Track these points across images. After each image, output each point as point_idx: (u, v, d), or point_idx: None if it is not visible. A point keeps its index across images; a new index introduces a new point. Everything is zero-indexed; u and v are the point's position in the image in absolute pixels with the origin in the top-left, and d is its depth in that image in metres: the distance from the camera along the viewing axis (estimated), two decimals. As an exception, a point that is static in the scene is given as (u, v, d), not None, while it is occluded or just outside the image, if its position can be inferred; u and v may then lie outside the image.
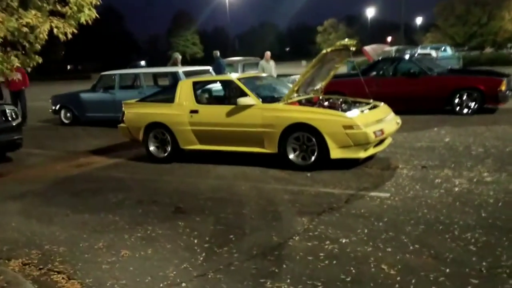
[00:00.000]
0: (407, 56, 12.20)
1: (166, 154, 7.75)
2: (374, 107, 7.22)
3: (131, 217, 5.19)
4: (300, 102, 7.20)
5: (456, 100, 10.74)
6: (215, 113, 7.25)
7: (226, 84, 7.51)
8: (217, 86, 8.10)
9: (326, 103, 7.35)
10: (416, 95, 11.06)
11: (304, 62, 56.69)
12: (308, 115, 6.58)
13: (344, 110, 6.73)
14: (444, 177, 5.90)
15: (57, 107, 13.01)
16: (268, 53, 14.78)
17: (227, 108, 7.11)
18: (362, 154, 6.46)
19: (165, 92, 7.91)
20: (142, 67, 37.41)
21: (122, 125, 8.29)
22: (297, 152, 6.72)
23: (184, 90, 7.64)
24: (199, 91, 7.68)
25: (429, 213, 4.67)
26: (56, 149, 9.60)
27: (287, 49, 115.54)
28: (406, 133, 8.93)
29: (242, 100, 6.93)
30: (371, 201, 5.16)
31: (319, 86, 7.76)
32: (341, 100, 7.66)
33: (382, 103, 7.48)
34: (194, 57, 65.50)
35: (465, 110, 10.69)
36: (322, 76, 7.59)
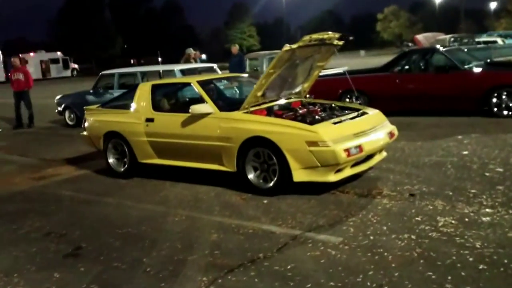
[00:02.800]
0: (440, 47, 10.45)
1: (124, 168, 6.77)
2: (362, 114, 5.84)
3: (15, 260, 4.23)
4: (269, 110, 5.94)
5: (494, 100, 8.96)
6: (171, 123, 6.16)
7: (186, 88, 6.38)
8: (182, 90, 6.93)
9: (301, 111, 6.05)
10: (445, 94, 9.38)
11: (362, 52, 54.16)
12: (266, 127, 5.32)
13: (315, 121, 5.42)
14: (429, 212, 4.47)
15: (62, 107, 12.45)
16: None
17: (183, 117, 5.99)
18: (332, 178, 5.12)
19: (126, 97, 6.92)
20: (203, 61, 36.88)
21: (83, 133, 7.40)
22: (257, 172, 5.49)
23: (142, 95, 6.60)
24: (158, 96, 6.61)
25: (373, 277, 3.33)
26: (34, 156, 8.90)
27: (351, 38, 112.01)
28: (420, 143, 7.42)
29: (195, 108, 5.79)
30: (311, 250, 3.87)
31: (298, 89, 6.44)
32: (326, 106, 6.33)
33: (376, 111, 6.07)
34: (250, 49, 64.60)
35: (505, 112, 8.90)
36: (301, 77, 6.26)
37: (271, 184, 5.38)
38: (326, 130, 5.07)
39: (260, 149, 5.37)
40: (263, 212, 4.88)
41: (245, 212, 4.94)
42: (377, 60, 26.95)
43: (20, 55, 50.32)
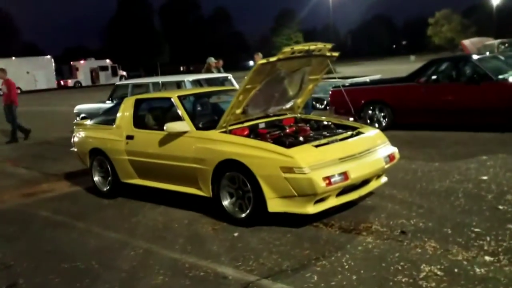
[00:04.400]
0: (475, 56, 9.46)
1: (107, 188, 6.35)
2: (357, 135, 5.14)
3: None
4: (252, 129, 5.35)
5: (532, 114, 7.95)
6: (149, 141, 5.68)
7: (166, 103, 5.88)
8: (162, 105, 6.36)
9: (288, 130, 5.42)
10: (475, 107, 8.44)
11: (412, 57, 52.16)
12: (240, 149, 4.73)
13: (294, 143, 4.77)
14: (415, 257, 3.74)
15: (80, 118, 12.30)
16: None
17: (161, 135, 5.50)
18: (311, 209, 4.45)
19: (112, 112, 6.51)
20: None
21: (73, 149, 7.07)
22: (233, 199, 4.91)
23: (125, 111, 6.17)
24: (141, 112, 6.15)
25: None
26: (38, 170, 8.67)
27: (404, 42, 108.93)
28: (438, 164, 6.60)
29: (170, 126, 5.28)
30: (257, 304, 3.25)
31: (289, 104, 5.79)
32: (320, 124, 5.68)
33: (375, 131, 5.35)
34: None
35: (545, 128, 7.88)
36: (292, 92, 5.62)
37: (244, 215, 4.78)
38: (303, 155, 4.42)
39: (235, 173, 4.79)
40: (227, 249, 4.28)
41: (209, 247, 4.36)
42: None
43: (71, 62, 52.35)
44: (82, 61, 50.78)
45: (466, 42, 21.94)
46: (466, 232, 4.14)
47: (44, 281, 3.97)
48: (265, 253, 4.09)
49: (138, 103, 6.14)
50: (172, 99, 5.62)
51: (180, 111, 5.44)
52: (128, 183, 6.09)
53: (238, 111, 5.11)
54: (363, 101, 9.99)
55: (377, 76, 14.46)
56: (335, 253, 3.95)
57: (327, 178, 4.34)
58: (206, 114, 6.11)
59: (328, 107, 11.08)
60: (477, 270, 3.43)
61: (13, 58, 46.99)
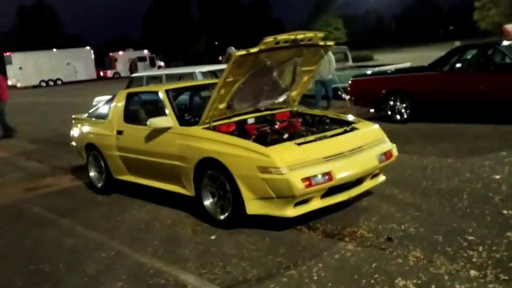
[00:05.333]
0: (505, 42, 8.75)
1: (101, 184, 6.22)
2: (351, 130, 4.76)
3: None
4: (240, 124, 5.06)
5: None
6: (136, 136, 5.48)
7: (155, 97, 5.64)
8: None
9: (277, 126, 5.10)
10: (503, 98, 7.80)
11: (457, 43, 49.95)
12: (220, 147, 4.45)
13: (275, 141, 4.45)
14: (392, 269, 3.37)
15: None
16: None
17: (147, 130, 5.28)
18: (290, 212, 4.13)
19: (107, 106, 6.34)
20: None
21: (72, 143, 6.98)
22: (215, 199, 4.64)
23: (117, 104, 6.00)
24: (132, 106, 5.95)
25: None
26: (49, 164, 8.67)
27: (451, 28, 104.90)
28: (452, 160, 6.13)
29: (153, 122, 5.06)
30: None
31: (283, 98, 5.44)
32: (315, 118, 5.34)
33: (372, 127, 4.95)
34: (336, 42, 62.38)
35: None
36: (284, 84, 5.26)
37: (223, 216, 4.51)
38: (282, 154, 4.09)
39: (215, 172, 4.51)
40: (199, 253, 4.03)
41: (181, 251, 4.12)
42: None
43: (110, 54, 53.25)
44: (120, 52, 51.56)
45: (509, 26, 20.73)
46: (458, 240, 3.72)
47: (6, 283, 3.85)
48: (235, 260, 3.81)
49: (129, 96, 5.95)
50: (159, 93, 5.39)
51: (166, 106, 5.21)
52: (121, 179, 5.92)
53: (222, 106, 4.82)
54: (383, 91, 9.47)
55: (407, 64, 13.80)
56: (308, 262, 3.63)
57: (307, 179, 4.00)
58: (195, 109, 5.84)
59: (347, 98, 10.59)
60: (457, 287, 3.04)
61: (54, 50, 48.28)
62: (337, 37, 64.70)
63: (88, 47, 50.79)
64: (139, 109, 5.81)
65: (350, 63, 15.16)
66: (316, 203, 4.26)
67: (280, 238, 4.16)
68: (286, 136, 4.58)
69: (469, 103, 8.26)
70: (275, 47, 4.52)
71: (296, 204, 4.15)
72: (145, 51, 51.89)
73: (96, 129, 6.18)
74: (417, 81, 9.06)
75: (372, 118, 9.73)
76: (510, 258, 3.35)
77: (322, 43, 4.97)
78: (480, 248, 3.54)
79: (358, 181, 4.59)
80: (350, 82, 10.29)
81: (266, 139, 4.50)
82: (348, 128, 4.80)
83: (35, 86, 44.55)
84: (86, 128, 6.45)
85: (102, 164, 6.09)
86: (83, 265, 4.04)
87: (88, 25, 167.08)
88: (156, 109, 5.53)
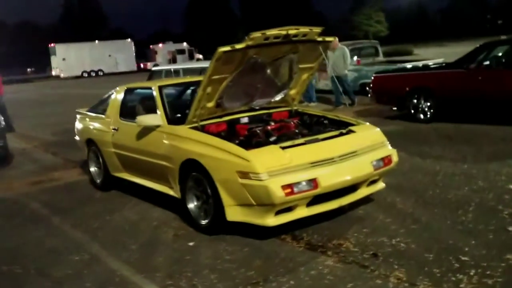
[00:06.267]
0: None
1: (100, 180, 6.11)
2: (347, 133, 4.42)
3: None
4: (231, 124, 4.81)
5: None
6: (129, 134, 5.31)
7: (150, 93, 5.42)
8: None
9: (270, 126, 4.81)
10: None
11: (503, 38, 47.80)
12: (202, 149, 4.20)
13: (259, 143, 4.18)
14: (369, 291, 3.05)
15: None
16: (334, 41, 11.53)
17: (138, 128, 5.10)
18: (271, 221, 3.85)
19: (107, 101, 6.21)
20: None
21: (76, 138, 6.91)
22: (199, 202, 4.41)
23: (115, 100, 5.86)
24: (128, 102, 5.78)
25: None
26: (62, 156, 8.67)
27: (499, 22, 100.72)
28: (467, 166, 5.72)
29: (141, 119, 4.87)
30: None
31: (279, 97, 5.13)
32: (313, 119, 5.03)
33: (372, 130, 4.59)
34: (377, 36, 61.06)
35: None
36: (280, 82, 4.96)
37: (204, 222, 4.28)
38: (263, 158, 3.80)
39: (199, 175, 4.27)
40: (172, 261, 3.81)
41: (155, 258, 3.91)
42: None
43: (150, 46, 53.85)
44: (160, 45, 52.03)
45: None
46: (449, 261, 3.35)
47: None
48: (206, 271, 3.57)
49: (127, 92, 5.79)
50: (152, 89, 5.19)
51: (157, 103, 5.00)
52: (117, 176, 5.78)
53: (210, 104, 4.57)
54: (407, 89, 8.97)
55: (439, 60, 13.14)
56: (281, 277, 3.35)
57: (289, 186, 3.71)
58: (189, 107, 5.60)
59: (369, 95, 10.13)
60: (433, 318, 2.69)
61: (96, 41, 49.25)
62: (378, 30, 63.31)
63: (129, 39, 51.53)
64: (134, 106, 5.64)
65: (381, 57, 14.59)
66: (301, 212, 3.96)
67: (260, 249, 3.89)
68: (273, 138, 4.29)
69: (496, 103, 7.70)
70: (265, 43, 4.22)
71: (279, 212, 3.87)
72: (184, 44, 52.17)
73: (96, 125, 6.07)
74: (442, 78, 8.53)
75: (395, 117, 9.31)
76: (504, 286, 2.96)
77: (319, 39, 4.63)
78: (472, 272, 3.16)
79: (353, 188, 4.26)
80: (372, 78, 9.83)
81: (251, 141, 4.22)
82: (344, 131, 4.46)
83: (77, 77, 45.62)
84: (87, 123, 6.35)
85: (101, 160, 5.97)
86: (54, 268, 3.90)
87: (132, 18, 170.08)
88: (151, 106, 5.33)
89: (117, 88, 5.98)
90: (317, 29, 4.49)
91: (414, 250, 3.59)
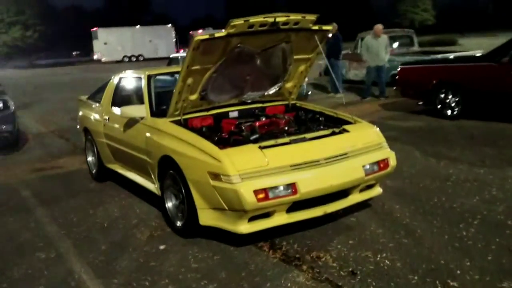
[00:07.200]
0: None
1: (95, 170, 5.92)
2: (340, 132, 4.01)
3: None
4: (218, 118, 4.48)
5: None
6: (118, 124, 5.06)
7: (139, 82, 5.13)
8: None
9: (258, 122, 4.44)
10: None
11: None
12: (177, 145, 3.89)
13: (236, 142, 3.82)
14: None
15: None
16: (378, 27, 10.97)
17: (125, 119, 4.84)
18: (243, 228, 3.51)
19: (103, 89, 5.97)
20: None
21: (77, 126, 6.74)
22: (177, 201, 4.11)
23: (109, 89, 5.62)
24: (121, 92, 5.51)
25: None
26: (73, 142, 8.57)
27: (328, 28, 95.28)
28: (484, 171, 5.26)
29: (124, 111, 4.61)
30: None
31: (273, 90, 4.74)
32: (309, 115, 4.63)
33: (368, 130, 4.16)
34: (423, 24, 58.87)
35: None
36: (273, 74, 4.57)
37: (179, 223, 3.99)
38: (235, 159, 3.45)
39: (175, 173, 3.97)
40: (135, 267, 3.54)
41: (119, 261, 3.64)
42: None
43: (190, 32, 53.82)
44: (200, 31, 51.78)
45: None
46: (435, 285, 2.92)
47: None
48: (165, 281, 3.28)
49: (121, 80, 5.53)
50: (141, 78, 4.91)
51: (143, 93, 4.72)
52: (110, 168, 5.56)
53: (193, 97, 4.24)
54: (434, 82, 8.37)
55: (477, 52, 12.32)
56: (238, 295, 3.01)
57: (263, 190, 3.35)
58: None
59: (394, 87, 9.54)
60: None
61: (138, 26, 49.66)
62: (424, 19, 61.16)
63: (169, 25, 51.69)
64: (125, 95, 5.38)
65: (416, 47, 13.82)
66: (280, 219, 3.60)
67: (232, 257, 3.56)
68: (254, 136, 3.92)
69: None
70: (249, 31, 3.85)
71: (254, 218, 3.52)
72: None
73: (91, 113, 5.86)
74: (471, 72, 7.88)
75: (421, 112, 8.73)
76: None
77: (315, 27, 4.20)
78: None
79: (343, 194, 3.86)
80: (398, 70, 9.24)
81: (229, 139, 3.88)
82: (337, 130, 4.04)
83: (118, 61, 46.20)
84: (85, 112, 6.16)
85: (95, 150, 5.78)
86: (16, 267, 3.69)
87: (177, 3, 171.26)
88: (140, 96, 5.06)
89: (113, 76, 5.73)
90: (311, 17, 4.06)
91: (398, 269, 3.17)
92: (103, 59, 46.45)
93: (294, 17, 3.95)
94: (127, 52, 47.67)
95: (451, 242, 3.52)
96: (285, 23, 3.94)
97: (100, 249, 3.90)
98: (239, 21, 3.72)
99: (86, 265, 3.63)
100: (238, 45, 3.97)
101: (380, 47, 10.74)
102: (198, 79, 4.09)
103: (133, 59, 47.64)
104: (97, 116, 5.63)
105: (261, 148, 3.59)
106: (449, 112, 8.16)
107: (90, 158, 6.08)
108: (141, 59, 47.81)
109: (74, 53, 75.22)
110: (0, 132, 7.63)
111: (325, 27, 4.28)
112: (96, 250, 3.90)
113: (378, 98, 10.91)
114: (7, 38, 51.83)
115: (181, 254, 3.67)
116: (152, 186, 4.52)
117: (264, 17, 3.81)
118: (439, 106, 8.31)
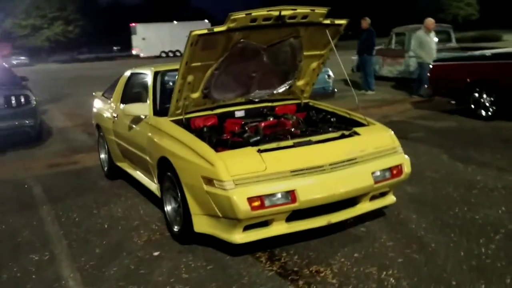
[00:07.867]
0: None
1: (106, 168, 5.82)
2: (349, 135, 3.72)
3: None
4: (223, 117, 4.25)
5: None
6: (125, 122, 4.89)
7: (147, 79, 4.94)
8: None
9: (264, 123, 4.18)
10: None
11: None
12: (175, 147, 3.68)
13: (236, 144, 3.58)
14: None
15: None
16: (429, 21, 10.43)
17: (130, 116, 4.67)
18: (237, 237, 3.27)
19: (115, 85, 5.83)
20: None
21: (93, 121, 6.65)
22: (176, 205, 3.91)
23: (120, 86, 5.47)
24: (131, 88, 5.34)
25: None
26: (94, 139, 8.52)
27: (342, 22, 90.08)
28: (500, 173, 4.72)
29: (127, 109, 4.44)
30: None
31: (283, 88, 4.46)
32: (319, 115, 4.34)
33: (379, 133, 3.83)
34: (467, 19, 56.72)
35: None
36: (283, 71, 4.30)
37: (176, 228, 3.78)
38: (230, 163, 3.21)
39: (172, 175, 3.76)
40: (123, 275, 3.35)
41: (109, 268, 3.47)
42: None
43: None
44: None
45: None
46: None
47: None
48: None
49: (131, 77, 5.38)
50: (148, 74, 4.73)
51: (148, 90, 4.54)
52: (120, 166, 5.43)
53: (196, 95, 4.02)
54: (468, 80, 7.89)
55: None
56: (226, 311, 2.78)
57: (258, 198, 3.10)
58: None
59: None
60: None
61: (175, 22, 50.00)
62: (468, 14, 59.04)
63: (206, 20, 51.76)
64: (134, 92, 5.22)
65: (453, 43, 13.20)
66: (279, 228, 3.34)
67: (226, 267, 3.33)
68: (255, 138, 3.66)
69: None
70: (252, 25, 3.59)
71: (250, 227, 3.28)
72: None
73: (103, 110, 5.74)
74: (508, 70, 7.36)
75: (453, 112, 8.25)
76: None
77: (326, 21, 3.90)
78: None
79: (351, 202, 3.57)
80: (430, 67, 8.76)
81: (227, 141, 3.64)
82: (346, 133, 3.74)
83: (156, 57, 46.68)
84: (98, 108, 6.05)
85: (106, 147, 5.66)
86: (7, 269, 3.57)
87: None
88: (145, 93, 4.88)
89: (125, 73, 5.58)
90: (322, 10, 3.76)
91: (404, 289, 2.87)
92: (141, 55, 47.01)
93: (301, 10, 3.66)
94: (165, 47, 48.08)
95: (467, 260, 3.17)
96: (292, 17, 3.66)
97: (94, 253, 3.75)
98: (240, 15, 3.46)
99: (76, 270, 3.47)
100: (241, 40, 3.72)
101: (433, 42, 10.21)
102: (199, 76, 3.87)
103: (171, 54, 48.01)
104: (107, 113, 5.51)
105: (260, 151, 3.34)
106: (483, 112, 7.68)
107: (102, 156, 5.98)
108: (179, 54, 48.15)
109: (115, 48, 76.65)
110: (22, 127, 7.65)
111: (337, 21, 3.97)
112: (89, 253, 3.74)
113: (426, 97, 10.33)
114: (50, 33, 53.26)
115: (174, 262, 3.46)
116: (154, 187, 4.35)
117: (268, 10, 3.54)
118: (472, 106, 7.83)
